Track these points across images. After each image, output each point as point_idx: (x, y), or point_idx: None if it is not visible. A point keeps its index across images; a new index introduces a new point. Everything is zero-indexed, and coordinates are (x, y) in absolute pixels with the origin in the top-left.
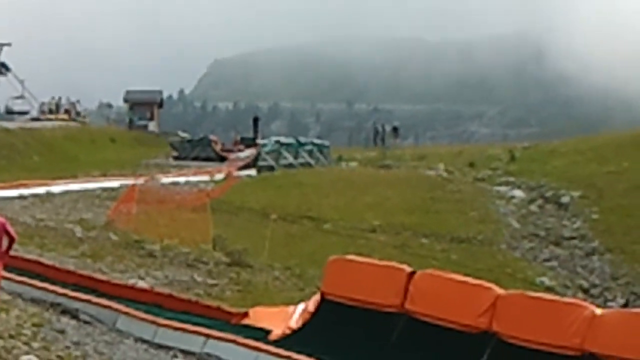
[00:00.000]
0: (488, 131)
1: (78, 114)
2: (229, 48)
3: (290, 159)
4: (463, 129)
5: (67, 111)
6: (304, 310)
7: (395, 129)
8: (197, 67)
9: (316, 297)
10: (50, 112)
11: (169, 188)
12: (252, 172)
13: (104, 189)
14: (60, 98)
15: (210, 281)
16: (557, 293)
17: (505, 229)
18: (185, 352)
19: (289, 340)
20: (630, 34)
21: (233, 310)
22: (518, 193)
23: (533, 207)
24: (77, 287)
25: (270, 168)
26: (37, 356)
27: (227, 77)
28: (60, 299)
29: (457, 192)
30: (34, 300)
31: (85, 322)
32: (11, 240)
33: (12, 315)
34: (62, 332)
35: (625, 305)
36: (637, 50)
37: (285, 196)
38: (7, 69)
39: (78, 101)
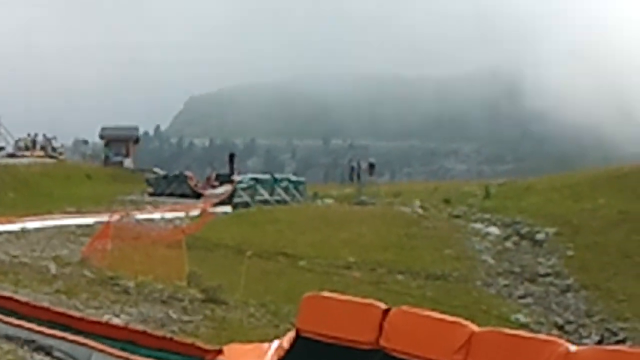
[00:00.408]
0: (464, 168)
1: (54, 150)
2: (204, 85)
3: (266, 196)
4: (439, 165)
5: (43, 148)
6: (279, 347)
7: (371, 166)
8: (172, 104)
9: (291, 334)
10: (27, 148)
11: (144, 224)
12: (228, 208)
13: (79, 226)
14: (36, 134)
15: (185, 318)
16: (532, 330)
17: (480, 266)
18: None
19: None
20: (603, 70)
21: (208, 347)
22: (493, 230)
23: (508, 244)
24: (51, 324)
25: (246, 204)
26: None
27: (202, 114)
28: (34, 336)
29: (432, 228)
30: (8, 337)
31: (59, 359)
32: None
33: None
34: None
35: (600, 342)
36: (609, 86)
37: (261, 233)
38: None
39: (54, 137)
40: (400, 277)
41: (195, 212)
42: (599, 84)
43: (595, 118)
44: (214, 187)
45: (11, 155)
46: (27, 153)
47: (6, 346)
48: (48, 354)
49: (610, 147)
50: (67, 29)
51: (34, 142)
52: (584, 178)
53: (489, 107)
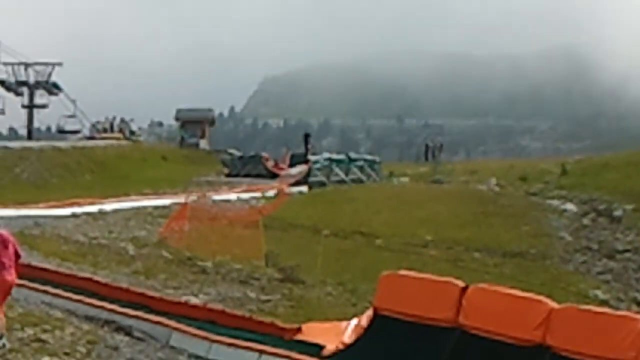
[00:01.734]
0: (539, 145)
1: (132, 132)
2: (278, 65)
3: (342, 175)
4: (514, 143)
5: (120, 130)
6: (357, 326)
7: (440, 146)
8: (247, 85)
9: (369, 313)
10: (105, 130)
11: (220, 205)
12: (304, 188)
13: (156, 207)
14: (114, 117)
15: (263, 297)
16: (610, 306)
17: (558, 243)
18: None
19: (342, 356)
20: None
21: (286, 325)
22: (570, 207)
23: (586, 221)
24: (130, 304)
25: (322, 184)
26: None
27: (277, 94)
28: (114, 316)
29: (509, 206)
30: (88, 318)
31: (139, 339)
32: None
33: (67, 333)
34: (116, 349)
35: None
36: None
37: (337, 212)
38: (59, 88)
39: (132, 120)
40: (477, 254)
41: (271, 193)
42: None
43: None
44: (281, 169)
45: (90, 138)
46: (106, 135)
47: (86, 326)
48: (128, 334)
49: None
50: (140, 11)
51: (111, 125)
52: None
53: (564, 85)
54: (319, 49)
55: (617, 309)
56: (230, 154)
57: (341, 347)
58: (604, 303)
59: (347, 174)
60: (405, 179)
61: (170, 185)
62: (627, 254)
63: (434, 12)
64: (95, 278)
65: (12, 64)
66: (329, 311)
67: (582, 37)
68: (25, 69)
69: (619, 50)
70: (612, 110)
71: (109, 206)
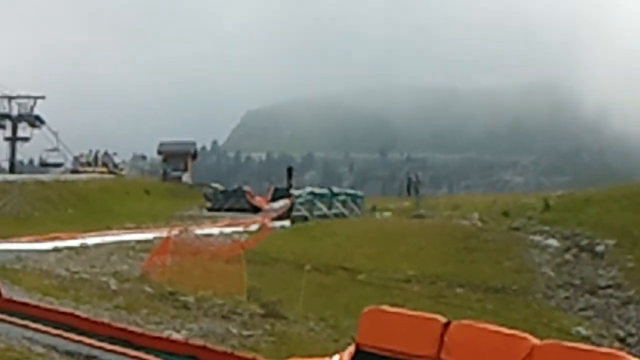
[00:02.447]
0: (522, 180)
1: (116, 166)
2: (261, 99)
3: (324, 210)
4: (497, 177)
5: (104, 164)
6: None
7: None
8: (230, 119)
9: (351, 348)
10: (89, 164)
11: (202, 239)
12: (286, 222)
13: (138, 241)
14: (97, 151)
15: (245, 332)
16: (593, 343)
17: (540, 278)
18: None
19: None
20: None
21: None
22: (553, 242)
23: (568, 256)
24: (112, 340)
25: (304, 218)
26: None
27: (259, 128)
28: (95, 352)
29: (491, 241)
30: (69, 353)
31: None
32: None
33: None
34: None
35: None
36: None
37: (320, 246)
38: (42, 121)
39: (115, 153)
40: (460, 290)
41: (254, 227)
42: None
43: None
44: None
45: (74, 172)
46: (90, 169)
47: None
48: None
49: None
50: (123, 46)
51: (95, 158)
52: None
53: (545, 119)
54: (301, 83)
55: (599, 345)
56: (213, 187)
57: None
58: (585, 339)
59: (329, 208)
60: (388, 214)
61: (152, 219)
62: (609, 290)
63: (416, 46)
64: (77, 313)
65: None
66: (311, 347)
67: (562, 72)
68: (9, 102)
69: (597, 85)
70: (593, 145)
71: (91, 240)
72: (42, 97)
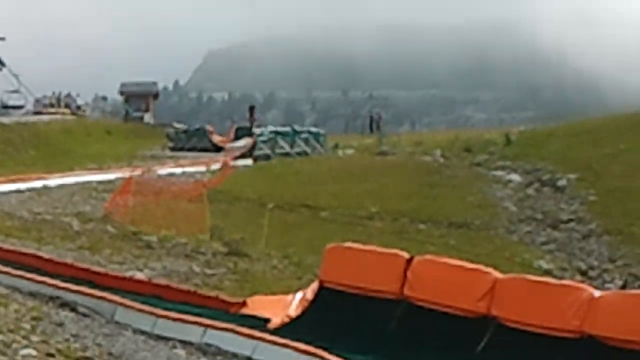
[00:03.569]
0: (484, 116)
1: (79, 107)
2: (222, 39)
3: (287, 148)
4: (459, 114)
5: (67, 105)
6: (303, 299)
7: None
8: (191, 59)
9: (314, 285)
10: (52, 106)
11: (165, 179)
12: (249, 161)
13: (100, 182)
14: (60, 93)
15: (208, 271)
16: (555, 276)
17: (502, 213)
18: (184, 343)
19: (288, 329)
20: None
21: (231, 299)
22: (515, 177)
23: (530, 191)
24: (75, 280)
25: (267, 157)
26: (36, 349)
27: (222, 68)
28: (58, 292)
29: (454, 177)
30: (32, 294)
31: (84, 315)
32: None
33: (11, 309)
34: (60, 324)
35: (624, 287)
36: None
37: (282, 185)
38: (2, 63)
39: (78, 95)
40: (422, 226)
41: (216, 166)
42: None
43: (613, 64)
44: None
45: (37, 113)
46: (53, 110)
47: (31, 302)
48: (73, 309)
49: (630, 91)
50: None
51: (58, 100)
52: (605, 124)
53: (507, 56)
54: (262, 23)
55: (561, 278)
56: (175, 127)
57: (287, 320)
58: (548, 273)
59: (292, 147)
60: (350, 151)
61: (114, 160)
62: (571, 224)
63: None
64: (40, 254)
65: None
66: (274, 284)
67: (522, 10)
68: None
69: (560, 23)
70: (554, 82)
71: (53, 181)
72: (2, 39)
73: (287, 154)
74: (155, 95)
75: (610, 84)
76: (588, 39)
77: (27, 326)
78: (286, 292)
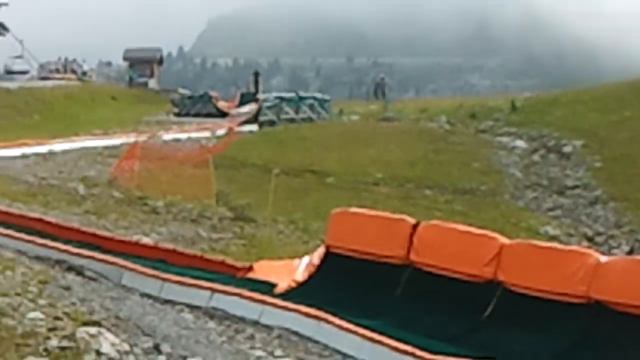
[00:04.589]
0: (489, 83)
1: (84, 73)
2: (227, 4)
3: (292, 114)
4: (464, 81)
5: (73, 71)
6: (309, 264)
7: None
8: (195, 24)
9: (321, 250)
10: (57, 71)
11: (170, 145)
12: (254, 127)
13: (106, 147)
14: (66, 58)
15: (214, 236)
16: (561, 242)
17: (508, 180)
18: (191, 307)
19: (294, 294)
20: None
21: (238, 264)
22: (520, 143)
23: (535, 157)
24: (81, 244)
25: (272, 123)
26: (44, 313)
27: (226, 34)
28: (65, 256)
29: (459, 143)
30: (39, 258)
31: (91, 279)
32: None
33: (18, 273)
34: (67, 288)
35: (630, 253)
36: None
37: (288, 151)
38: (6, 28)
39: (84, 60)
40: (428, 192)
41: (221, 132)
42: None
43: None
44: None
45: (43, 79)
46: (59, 76)
47: (38, 266)
48: (79, 273)
49: (625, 61)
50: None
51: (64, 65)
52: (610, 90)
53: (512, 23)
54: None
55: (568, 244)
56: (180, 93)
57: (293, 285)
58: (554, 239)
59: (297, 113)
60: (355, 117)
61: (119, 125)
62: (577, 190)
63: None
64: (46, 218)
65: None
66: (280, 249)
67: None
68: None
69: None
70: (555, 50)
71: (58, 146)
72: (6, 4)
73: (292, 120)
74: (160, 61)
75: (606, 52)
76: (585, 6)
77: (35, 289)
78: (292, 257)
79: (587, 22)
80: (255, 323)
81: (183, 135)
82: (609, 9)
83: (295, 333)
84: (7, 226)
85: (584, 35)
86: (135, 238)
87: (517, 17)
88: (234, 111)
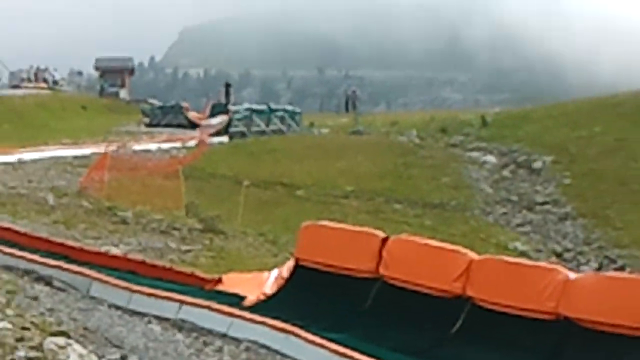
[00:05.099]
0: (460, 97)
1: (55, 82)
2: (198, 15)
3: (262, 126)
4: (435, 95)
5: (44, 80)
6: (278, 276)
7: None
8: (167, 34)
9: (290, 263)
10: (29, 80)
11: (140, 155)
12: (224, 138)
13: (76, 157)
14: (38, 67)
15: (183, 247)
16: (530, 257)
17: (478, 195)
18: (159, 318)
19: (264, 306)
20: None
21: (207, 276)
22: (490, 158)
23: (505, 173)
24: (50, 254)
25: (242, 134)
26: (12, 323)
27: (197, 44)
28: (33, 266)
29: (429, 157)
30: (7, 268)
31: (59, 289)
32: None
33: None
34: (35, 298)
35: (599, 269)
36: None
37: (258, 163)
38: None
39: (55, 69)
40: (397, 206)
41: (191, 143)
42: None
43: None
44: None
45: (14, 87)
46: (30, 85)
47: (6, 276)
48: (48, 284)
49: (593, 79)
50: None
51: (35, 74)
52: (580, 106)
53: (484, 37)
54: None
55: (537, 260)
56: (151, 103)
57: (262, 297)
58: (523, 254)
59: (267, 125)
60: (326, 130)
61: (90, 135)
62: (547, 206)
63: None
64: (15, 227)
65: None
66: (249, 262)
67: None
68: None
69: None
70: (529, 64)
71: (27, 155)
72: None
73: (262, 132)
74: (131, 71)
75: (575, 68)
76: (554, 22)
77: (2, 299)
78: (262, 270)
79: (557, 38)
80: (224, 335)
81: (153, 146)
82: (578, 26)
83: (264, 346)
84: None
85: (553, 51)
86: (104, 249)
87: (487, 32)
88: (204, 122)
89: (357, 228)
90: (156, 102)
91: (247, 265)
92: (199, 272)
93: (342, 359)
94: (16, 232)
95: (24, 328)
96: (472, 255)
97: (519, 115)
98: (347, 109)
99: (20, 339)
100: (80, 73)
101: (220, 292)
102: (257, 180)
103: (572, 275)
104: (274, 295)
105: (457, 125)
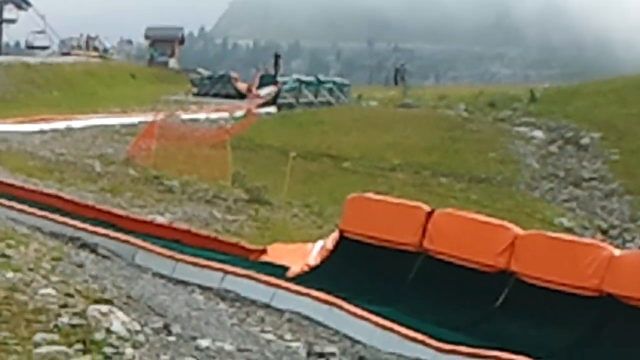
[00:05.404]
0: (509, 72)
1: (106, 50)
2: None
3: (311, 97)
4: (484, 69)
5: (95, 48)
6: (322, 248)
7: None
8: (218, 5)
9: (334, 235)
10: (79, 47)
11: (188, 125)
12: (272, 109)
13: (124, 125)
14: (88, 35)
15: (229, 217)
16: (575, 234)
17: (524, 170)
18: (203, 288)
19: (307, 277)
20: None
21: (251, 246)
22: (538, 134)
23: (553, 148)
24: (95, 222)
25: (291, 106)
26: (56, 289)
27: (247, 15)
28: (79, 233)
29: (476, 132)
30: (53, 234)
31: (104, 257)
32: None
33: (31, 249)
34: (80, 266)
35: None
36: None
37: (305, 134)
38: (28, 3)
39: (106, 38)
40: (444, 179)
41: (239, 113)
42: None
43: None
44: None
45: (65, 54)
46: (81, 52)
47: (51, 243)
48: (93, 251)
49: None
50: None
51: (87, 42)
52: (630, 83)
53: (534, 12)
54: None
55: (582, 236)
56: (200, 73)
57: (306, 269)
58: (568, 230)
59: (316, 96)
60: (374, 103)
61: (138, 104)
62: (593, 182)
63: None
64: (62, 195)
65: None
66: (294, 233)
67: None
68: None
69: None
70: (580, 40)
71: (76, 123)
72: None
73: (310, 104)
74: (181, 41)
75: (623, 44)
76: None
77: (47, 266)
78: (306, 241)
79: (607, 14)
80: (267, 306)
81: (201, 115)
82: (628, 1)
83: (306, 317)
84: (23, 201)
85: (603, 27)
86: (149, 217)
87: (537, 8)
88: (253, 93)
89: (403, 201)
90: (205, 72)
91: (291, 236)
92: (243, 242)
93: (384, 332)
94: (63, 199)
95: (67, 295)
96: (517, 230)
97: (567, 91)
98: (395, 82)
99: (63, 306)
100: (130, 42)
101: (264, 263)
102: (304, 151)
103: (617, 252)
104: (317, 266)
105: (505, 100)
